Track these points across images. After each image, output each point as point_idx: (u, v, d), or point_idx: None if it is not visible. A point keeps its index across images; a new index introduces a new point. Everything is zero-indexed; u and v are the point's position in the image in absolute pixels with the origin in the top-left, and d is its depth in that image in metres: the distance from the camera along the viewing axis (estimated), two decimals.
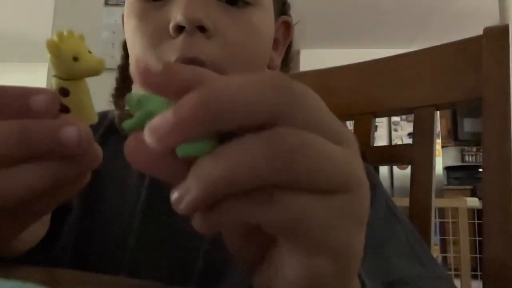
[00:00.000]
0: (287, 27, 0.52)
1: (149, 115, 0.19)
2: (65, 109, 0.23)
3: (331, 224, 0.18)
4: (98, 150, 0.23)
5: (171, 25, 0.39)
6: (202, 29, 0.39)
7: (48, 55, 0.22)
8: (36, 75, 4.28)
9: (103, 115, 0.52)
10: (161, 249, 0.43)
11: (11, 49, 4.91)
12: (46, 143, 0.21)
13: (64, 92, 0.23)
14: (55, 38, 0.22)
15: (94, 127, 0.49)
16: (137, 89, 0.49)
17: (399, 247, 0.40)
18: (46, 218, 0.34)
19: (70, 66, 0.22)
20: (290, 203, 0.17)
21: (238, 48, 0.41)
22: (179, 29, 0.39)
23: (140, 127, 0.19)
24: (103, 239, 0.44)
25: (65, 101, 0.23)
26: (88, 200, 0.45)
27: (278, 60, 0.51)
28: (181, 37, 0.39)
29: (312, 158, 0.17)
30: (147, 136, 0.17)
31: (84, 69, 0.23)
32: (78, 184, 0.24)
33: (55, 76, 0.23)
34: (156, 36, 0.40)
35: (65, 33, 0.23)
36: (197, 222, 0.18)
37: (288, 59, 0.54)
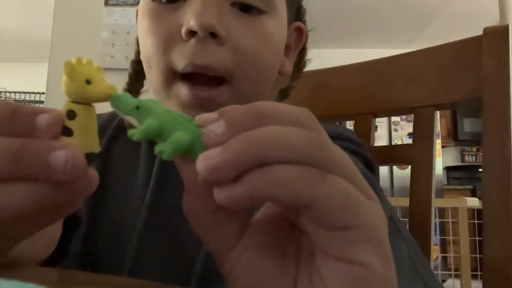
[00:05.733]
0: (300, 33, 0.52)
1: (159, 131, 0.21)
2: (67, 132, 0.22)
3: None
4: (93, 178, 0.21)
5: (183, 30, 0.39)
6: (213, 35, 0.39)
7: (63, 77, 0.23)
8: (36, 75, 4.28)
9: (113, 116, 0.52)
10: (162, 251, 0.43)
11: (11, 49, 4.91)
12: (35, 164, 0.20)
13: (70, 114, 0.22)
14: (73, 60, 0.23)
15: (103, 128, 0.49)
16: (149, 86, 0.48)
17: (404, 268, 0.39)
18: (57, 230, 0.34)
19: (82, 88, 0.22)
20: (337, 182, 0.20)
21: (250, 55, 0.41)
22: (191, 33, 0.39)
23: (148, 138, 0.22)
24: (108, 239, 0.44)
25: (70, 124, 0.22)
26: (94, 201, 0.45)
27: (289, 66, 0.51)
28: (192, 42, 0.39)
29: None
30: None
31: (94, 92, 0.23)
32: (67, 209, 0.23)
33: (68, 101, 0.23)
34: (168, 38, 0.40)
35: (84, 60, 0.23)
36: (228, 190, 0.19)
37: (301, 64, 0.54)
